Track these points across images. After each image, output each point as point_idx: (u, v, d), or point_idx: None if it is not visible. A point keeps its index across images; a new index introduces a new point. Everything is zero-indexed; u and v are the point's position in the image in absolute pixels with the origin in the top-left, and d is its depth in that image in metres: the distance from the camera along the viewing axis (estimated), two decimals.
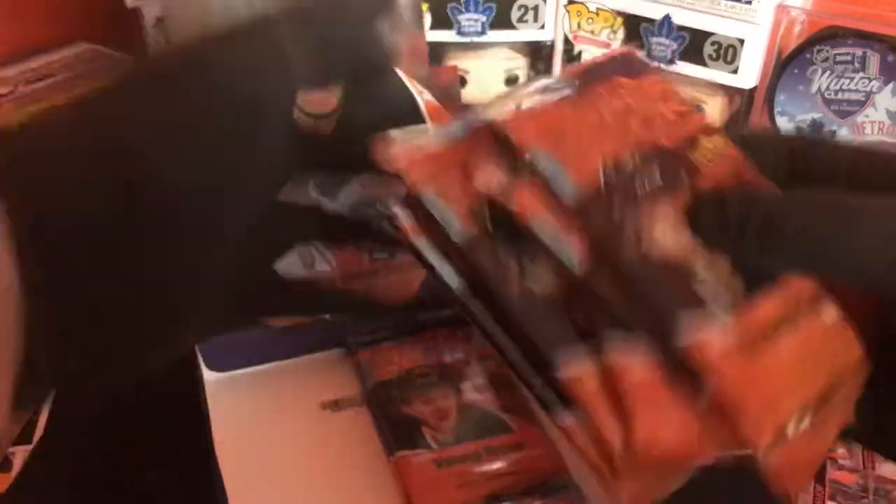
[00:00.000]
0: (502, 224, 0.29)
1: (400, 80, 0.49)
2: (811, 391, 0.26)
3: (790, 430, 0.25)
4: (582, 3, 0.70)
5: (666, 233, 0.27)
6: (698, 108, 0.69)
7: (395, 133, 0.33)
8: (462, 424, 0.48)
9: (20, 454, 0.56)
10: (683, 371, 0.25)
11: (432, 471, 0.45)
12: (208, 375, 0.54)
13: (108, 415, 0.62)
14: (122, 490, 0.55)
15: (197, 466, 0.47)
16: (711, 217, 0.27)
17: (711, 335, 0.25)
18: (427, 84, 0.51)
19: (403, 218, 0.32)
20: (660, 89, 0.32)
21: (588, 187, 0.28)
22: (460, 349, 0.54)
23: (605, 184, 0.28)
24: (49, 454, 0.57)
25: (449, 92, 0.51)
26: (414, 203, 0.31)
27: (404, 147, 0.31)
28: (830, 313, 0.27)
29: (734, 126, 0.68)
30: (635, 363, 0.26)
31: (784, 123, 0.66)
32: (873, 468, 0.56)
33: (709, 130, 0.31)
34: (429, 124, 0.45)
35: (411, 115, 0.50)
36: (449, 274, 0.31)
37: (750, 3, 0.63)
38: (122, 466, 0.57)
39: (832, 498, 0.54)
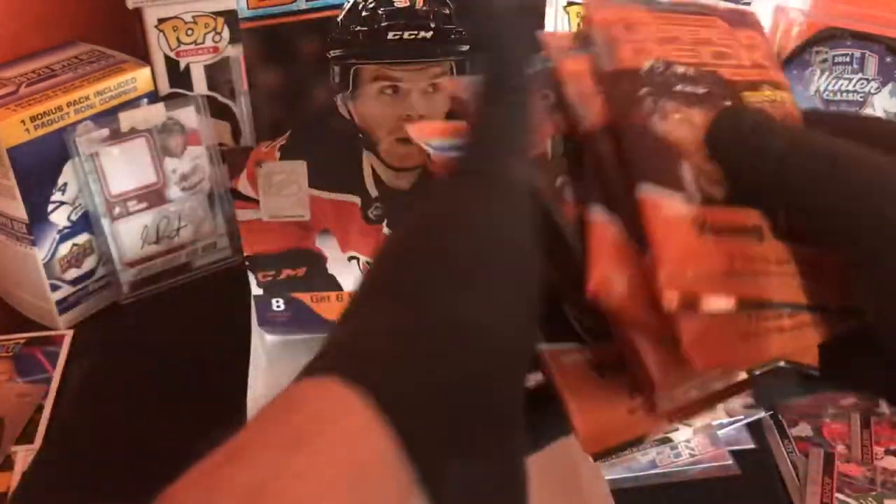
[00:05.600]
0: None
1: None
2: (743, 292, 0.26)
3: (709, 305, 0.25)
4: (581, 4, 0.71)
5: (681, 123, 0.28)
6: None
7: None
8: None
9: (22, 454, 0.57)
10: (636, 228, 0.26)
11: None
12: (260, 338, 0.53)
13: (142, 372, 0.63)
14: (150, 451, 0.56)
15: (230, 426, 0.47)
16: (728, 120, 0.28)
17: (666, 202, 0.26)
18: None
19: None
20: (750, 41, 0.33)
21: (629, 66, 0.29)
22: None
23: (647, 70, 0.29)
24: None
25: None
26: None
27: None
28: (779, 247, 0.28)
29: None
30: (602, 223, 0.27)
31: None
32: (871, 460, 0.57)
33: (779, 85, 0.32)
34: None
35: None
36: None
37: (748, 4, 0.63)
38: (151, 426, 0.58)
39: (840, 490, 0.55)
